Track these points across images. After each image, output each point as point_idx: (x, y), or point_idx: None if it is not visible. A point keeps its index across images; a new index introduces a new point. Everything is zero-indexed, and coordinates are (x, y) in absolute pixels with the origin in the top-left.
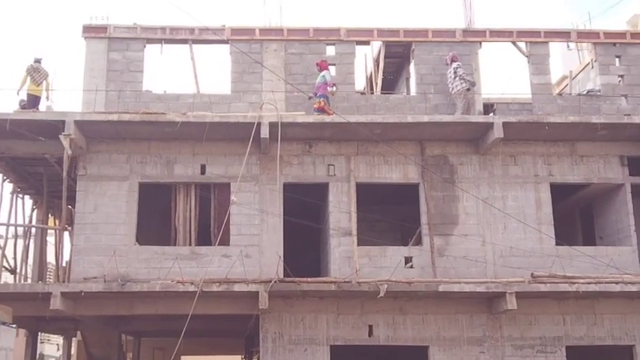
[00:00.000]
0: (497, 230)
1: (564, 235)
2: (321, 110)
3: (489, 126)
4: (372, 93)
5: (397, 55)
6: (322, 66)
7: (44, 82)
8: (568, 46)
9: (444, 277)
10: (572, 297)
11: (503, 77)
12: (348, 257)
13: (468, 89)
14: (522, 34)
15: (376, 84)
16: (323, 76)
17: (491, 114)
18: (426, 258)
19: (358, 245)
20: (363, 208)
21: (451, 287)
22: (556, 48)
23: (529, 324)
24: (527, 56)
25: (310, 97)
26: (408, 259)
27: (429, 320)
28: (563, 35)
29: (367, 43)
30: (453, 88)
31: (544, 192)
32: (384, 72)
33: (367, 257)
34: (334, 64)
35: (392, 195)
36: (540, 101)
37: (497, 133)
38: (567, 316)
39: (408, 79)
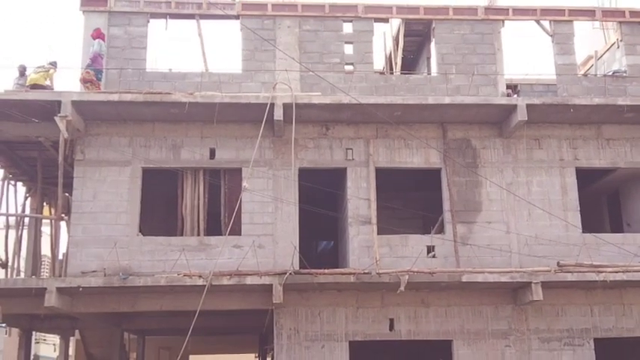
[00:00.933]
0: (521, 217)
1: (591, 223)
2: (88, 82)
3: (512, 108)
4: (392, 73)
5: (417, 34)
6: (96, 35)
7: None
8: (593, 25)
9: (468, 266)
10: (600, 287)
11: (526, 57)
12: (368, 247)
13: None
14: (546, 12)
15: (396, 63)
16: (100, 44)
17: (515, 95)
18: (448, 247)
19: (378, 234)
20: (382, 195)
21: (475, 277)
22: (581, 27)
23: (556, 315)
24: (551, 35)
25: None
26: (430, 249)
27: (453, 312)
28: (588, 13)
29: (386, 20)
30: None
31: (569, 177)
32: (403, 51)
33: (388, 247)
34: (351, 42)
35: (413, 181)
36: (565, 82)
37: (521, 115)
38: (595, 306)
39: (428, 58)
